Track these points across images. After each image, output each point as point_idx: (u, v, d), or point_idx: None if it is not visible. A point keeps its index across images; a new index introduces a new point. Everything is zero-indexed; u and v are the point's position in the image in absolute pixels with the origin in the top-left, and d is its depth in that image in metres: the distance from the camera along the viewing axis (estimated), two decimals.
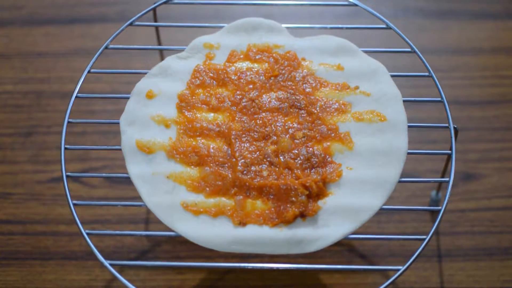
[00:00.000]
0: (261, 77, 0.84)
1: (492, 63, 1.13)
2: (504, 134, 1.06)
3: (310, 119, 0.81)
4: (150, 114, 0.82)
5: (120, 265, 0.94)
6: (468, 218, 1.00)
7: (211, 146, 0.80)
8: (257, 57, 0.85)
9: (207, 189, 0.78)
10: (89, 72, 0.86)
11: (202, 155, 0.79)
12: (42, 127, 1.08)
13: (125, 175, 0.80)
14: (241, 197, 0.77)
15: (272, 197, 0.77)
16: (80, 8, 1.19)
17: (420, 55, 0.87)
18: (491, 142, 1.06)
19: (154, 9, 0.92)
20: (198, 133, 0.80)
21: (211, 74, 0.84)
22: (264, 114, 0.82)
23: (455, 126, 0.82)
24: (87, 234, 0.77)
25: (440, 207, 0.78)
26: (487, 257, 0.97)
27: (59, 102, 1.10)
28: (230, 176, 0.78)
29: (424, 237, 0.77)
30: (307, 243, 0.75)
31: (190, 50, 0.86)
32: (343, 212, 0.76)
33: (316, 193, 0.77)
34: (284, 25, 0.88)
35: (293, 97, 0.82)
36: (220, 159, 0.79)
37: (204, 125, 0.81)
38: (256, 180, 0.77)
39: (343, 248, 0.98)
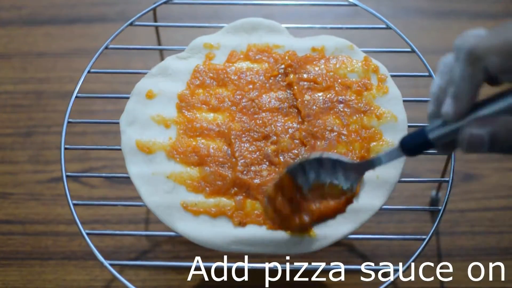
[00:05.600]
0: (261, 77, 0.84)
1: None
2: None
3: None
4: (150, 114, 0.82)
5: (120, 265, 0.94)
6: (468, 218, 1.00)
7: (211, 146, 0.80)
8: (257, 57, 0.85)
9: (207, 189, 0.78)
10: (89, 72, 0.86)
11: (202, 155, 0.79)
12: (42, 127, 1.08)
13: (125, 175, 0.80)
14: (241, 197, 0.77)
15: None
16: (80, 8, 1.19)
17: (420, 55, 0.87)
18: None
19: (154, 9, 0.92)
20: (198, 133, 0.80)
21: (211, 74, 0.84)
22: (264, 114, 0.81)
23: None
24: (87, 234, 0.77)
25: (440, 207, 0.78)
26: (487, 257, 0.97)
27: (59, 102, 1.10)
28: (230, 176, 0.78)
29: (424, 237, 0.77)
30: (307, 243, 0.75)
31: (190, 50, 0.86)
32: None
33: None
34: (284, 25, 0.88)
35: (293, 97, 0.82)
36: (220, 159, 0.79)
37: (204, 125, 0.81)
38: (256, 180, 0.77)
39: (343, 248, 0.98)
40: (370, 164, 0.69)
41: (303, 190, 0.72)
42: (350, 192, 0.71)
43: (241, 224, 0.76)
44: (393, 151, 0.66)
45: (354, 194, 0.71)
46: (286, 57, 0.84)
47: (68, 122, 0.83)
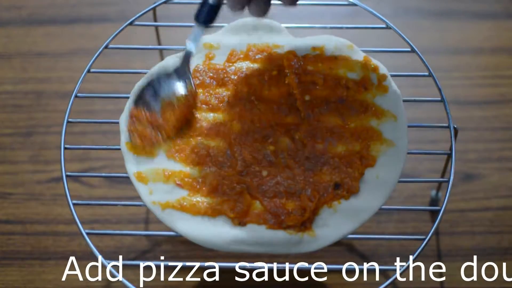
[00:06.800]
0: (261, 77, 0.84)
1: (492, 63, 1.13)
2: (504, 134, 1.06)
3: None
4: None
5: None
6: (468, 218, 1.00)
7: (211, 146, 0.80)
8: (257, 57, 0.85)
9: (207, 188, 0.78)
10: (88, 71, 0.86)
11: (202, 155, 0.79)
12: (42, 127, 1.08)
13: (124, 175, 0.80)
14: (240, 197, 0.77)
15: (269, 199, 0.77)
16: (80, 8, 1.19)
17: (420, 55, 0.87)
18: (491, 142, 1.06)
19: (154, 9, 0.92)
20: (198, 133, 0.80)
21: (211, 74, 0.84)
22: (263, 114, 0.81)
23: (455, 126, 0.82)
24: (87, 234, 0.77)
25: (440, 207, 0.78)
26: (487, 257, 0.96)
27: (59, 102, 1.10)
28: (230, 176, 0.78)
29: (424, 237, 0.77)
30: (306, 243, 0.75)
31: None
32: (343, 212, 0.76)
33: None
34: (284, 25, 0.88)
35: (293, 97, 0.82)
36: (220, 159, 0.79)
37: (204, 125, 0.81)
38: (255, 180, 0.77)
39: (343, 248, 0.98)
40: (185, 56, 0.80)
41: (158, 115, 0.78)
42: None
43: (241, 223, 0.76)
44: (194, 31, 0.77)
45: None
46: (286, 57, 0.84)
47: (68, 122, 0.83)
